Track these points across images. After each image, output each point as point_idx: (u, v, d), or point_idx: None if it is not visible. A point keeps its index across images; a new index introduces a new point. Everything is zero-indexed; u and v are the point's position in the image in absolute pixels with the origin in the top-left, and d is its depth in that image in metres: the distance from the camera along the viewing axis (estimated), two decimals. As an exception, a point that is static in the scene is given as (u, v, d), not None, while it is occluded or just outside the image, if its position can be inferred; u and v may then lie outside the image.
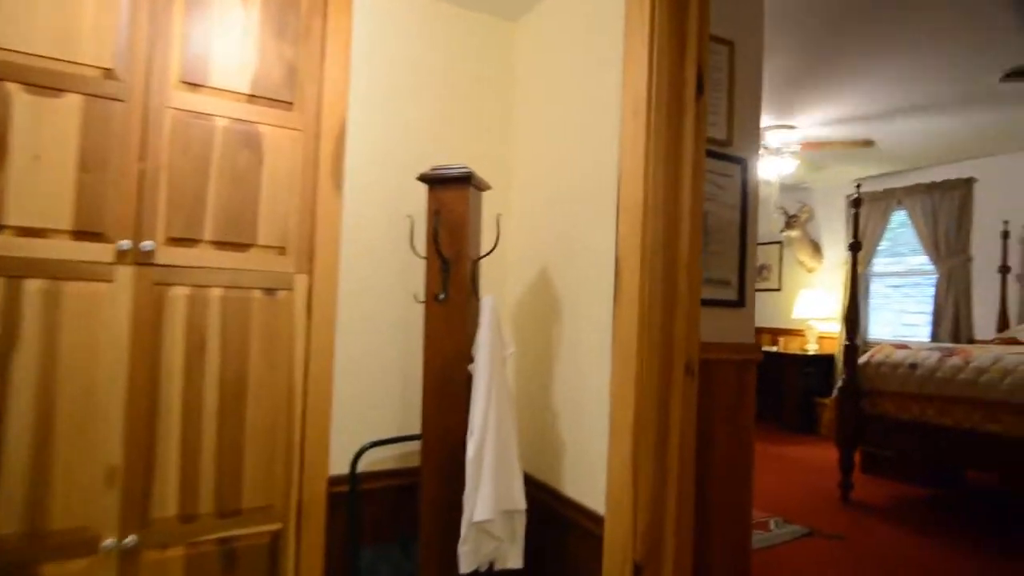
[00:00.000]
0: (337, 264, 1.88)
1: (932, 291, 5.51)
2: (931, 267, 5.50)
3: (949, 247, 5.33)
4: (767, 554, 2.86)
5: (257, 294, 1.69)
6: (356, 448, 2.00)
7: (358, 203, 2.11)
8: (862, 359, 3.73)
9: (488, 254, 1.97)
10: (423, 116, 2.31)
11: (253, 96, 1.74)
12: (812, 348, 6.30)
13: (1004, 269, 4.94)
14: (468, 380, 1.69)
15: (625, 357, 1.64)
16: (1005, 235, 4.97)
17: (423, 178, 1.76)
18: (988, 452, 3.07)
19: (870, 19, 3.16)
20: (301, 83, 1.84)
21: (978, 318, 5.17)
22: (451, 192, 1.73)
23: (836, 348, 6.20)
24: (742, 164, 2.30)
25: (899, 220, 5.86)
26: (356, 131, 2.12)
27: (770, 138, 4.67)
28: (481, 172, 2.43)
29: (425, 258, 1.75)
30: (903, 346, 3.64)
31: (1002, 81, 3.55)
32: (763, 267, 7.21)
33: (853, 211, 3.84)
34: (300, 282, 1.78)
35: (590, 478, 1.83)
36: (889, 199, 5.81)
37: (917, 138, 4.86)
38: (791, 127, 4.59)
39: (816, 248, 6.61)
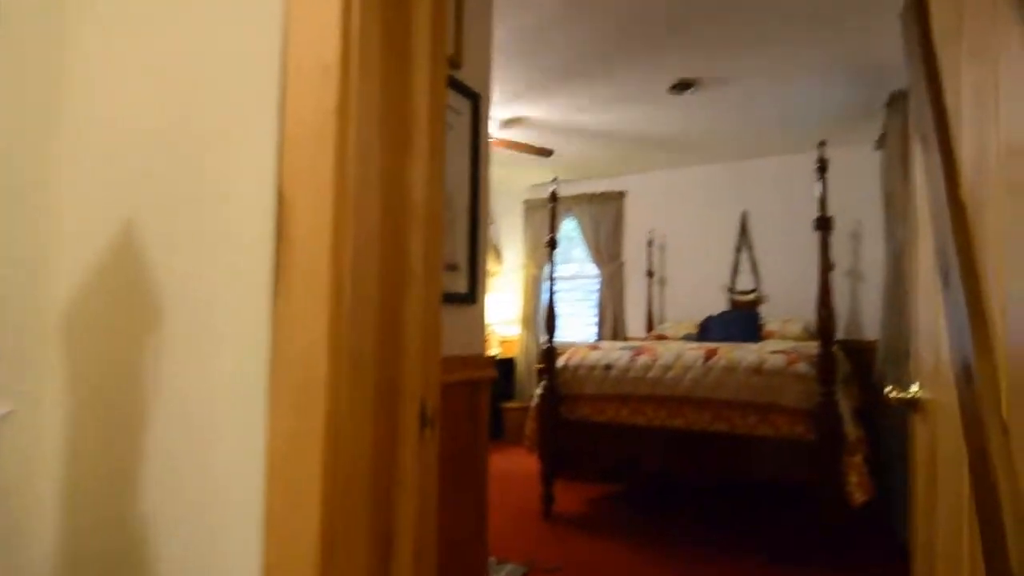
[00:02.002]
0: None
1: (596, 294, 5.95)
2: (595, 271, 5.94)
3: (608, 253, 5.82)
4: (486, 618, 2.27)
5: None
6: None
7: None
8: (559, 362, 3.54)
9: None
10: None
11: None
12: (495, 352, 6.24)
13: (649, 273, 5.57)
14: None
15: (299, 402, 0.76)
16: (650, 243, 5.62)
17: None
18: (675, 447, 3.10)
19: (571, 19, 2.94)
20: None
21: (630, 318, 5.75)
22: None
23: (517, 351, 6.27)
24: (475, 101, 1.64)
25: (568, 227, 6.22)
26: None
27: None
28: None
29: None
30: (595, 347, 3.57)
31: (669, 92, 3.79)
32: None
33: (550, 205, 3.65)
34: None
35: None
36: (559, 206, 6.11)
37: (586, 149, 5.11)
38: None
39: (497, 252, 6.63)
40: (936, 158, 1.09)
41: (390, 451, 0.83)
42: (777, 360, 2.94)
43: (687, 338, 4.81)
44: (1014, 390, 0.83)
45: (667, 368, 3.17)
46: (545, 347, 3.52)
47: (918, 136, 1.22)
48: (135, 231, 1.03)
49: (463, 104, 1.57)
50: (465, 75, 1.56)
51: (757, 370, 2.95)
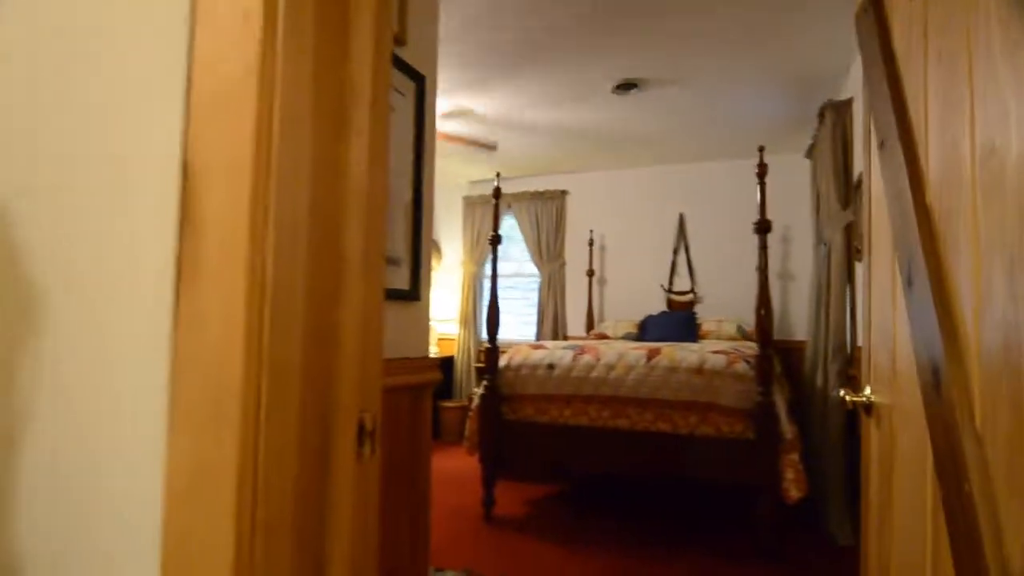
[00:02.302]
0: None
1: (535, 292, 5.91)
2: (534, 270, 5.88)
3: (549, 252, 5.79)
4: (424, 633, 2.14)
5: None
6: None
7: None
8: (501, 361, 3.45)
9: None
10: None
11: None
12: (433, 351, 6.09)
13: (590, 273, 5.58)
14: None
15: (206, 425, 0.62)
16: (591, 243, 5.62)
17: None
18: (618, 448, 3.07)
19: (518, 11, 2.85)
20: None
21: (571, 317, 5.74)
22: None
23: (456, 350, 6.14)
24: (420, 83, 1.51)
25: (508, 224, 6.13)
26: None
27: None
28: None
29: None
30: (539, 346, 3.50)
31: (614, 91, 3.77)
32: (385, 266, 6.73)
33: (494, 201, 3.56)
34: None
35: None
36: (500, 203, 6.01)
37: (529, 146, 5.05)
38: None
39: (437, 248, 6.47)
40: (900, 160, 1.07)
41: (321, 478, 0.71)
42: (718, 360, 2.97)
43: (627, 337, 4.84)
44: (987, 397, 0.80)
45: (610, 367, 3.14)
46: (487, 346, 3.42)
47: (877, 139, 1.21)
48: (5, 211, 0.85)
49: (407, 86, 1.45)
50: (409, 55, 1.44)
51: (698, 370, 2.96)
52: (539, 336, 5.70)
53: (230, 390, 0.61)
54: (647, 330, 4.71)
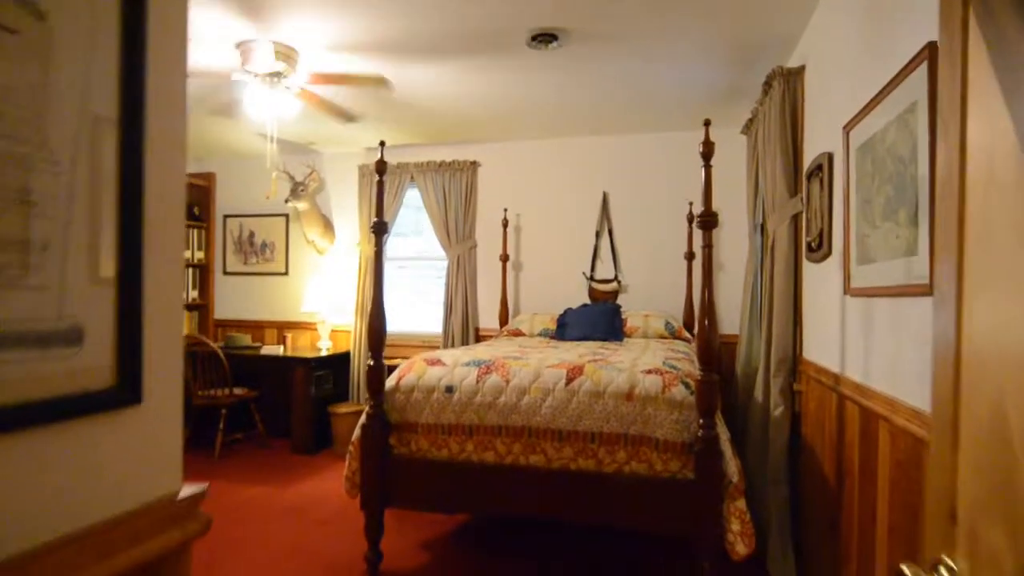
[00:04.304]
0: None
1: (443, 278, 5.20)
2: (441, 252, 5.16)
3: (459, 232, 5.08)
4: None
5: None
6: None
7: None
8: (390, 381, 2.76)
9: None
10: None
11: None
12: (325, 346, 5.27)
13: (504, 258, 4.93)
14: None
15: None
16: (504, 223, 4.96)
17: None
18: (532, 489, 2.48)
19: None
20: None
21: (483, 309, 5.10)
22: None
23: (351, 344, 5.35)
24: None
25: (412, 198, 5.35)
26: None
27: (259, 58, 3.17)
28: None
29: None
30: (435, 361, 2.82)
31: (529, 45, 3.07)
32: (265, 245, 5.77)
33: (377, 179, 2.80)
34: None
35: None
36: (403, 174, 5.22)
37: (433, 107, 4.27)
38: (292, 52, 3.24)
39: (328, 225, 5.59)
40: None
41: None
42: (651, 383, 2.43)
43: (544, 334, 4.27)
44: None
45: (522, 392, 2.53)
46: (371, 363, 2.71)
47: (1007, 78, 0.61)
48: None
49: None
50: None
51: (628, 395, 2.41)
52: (445, 331, 5.02)
53: None
54: (567, 325, 4.15)
